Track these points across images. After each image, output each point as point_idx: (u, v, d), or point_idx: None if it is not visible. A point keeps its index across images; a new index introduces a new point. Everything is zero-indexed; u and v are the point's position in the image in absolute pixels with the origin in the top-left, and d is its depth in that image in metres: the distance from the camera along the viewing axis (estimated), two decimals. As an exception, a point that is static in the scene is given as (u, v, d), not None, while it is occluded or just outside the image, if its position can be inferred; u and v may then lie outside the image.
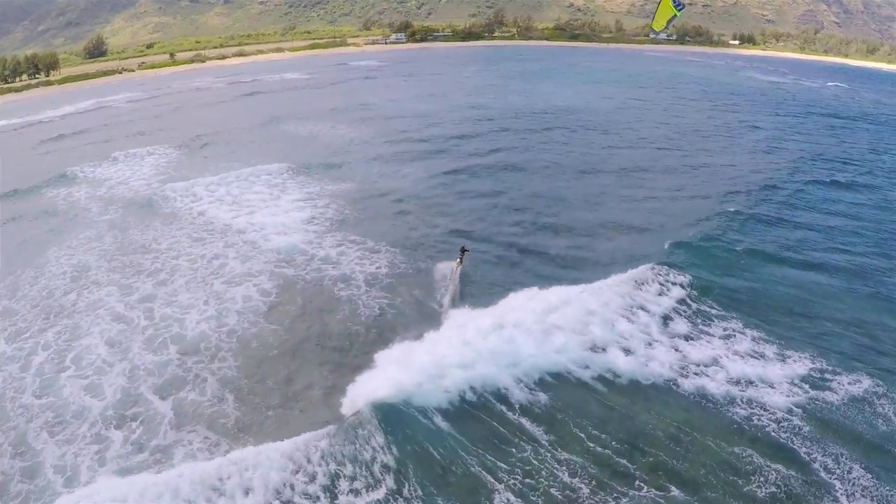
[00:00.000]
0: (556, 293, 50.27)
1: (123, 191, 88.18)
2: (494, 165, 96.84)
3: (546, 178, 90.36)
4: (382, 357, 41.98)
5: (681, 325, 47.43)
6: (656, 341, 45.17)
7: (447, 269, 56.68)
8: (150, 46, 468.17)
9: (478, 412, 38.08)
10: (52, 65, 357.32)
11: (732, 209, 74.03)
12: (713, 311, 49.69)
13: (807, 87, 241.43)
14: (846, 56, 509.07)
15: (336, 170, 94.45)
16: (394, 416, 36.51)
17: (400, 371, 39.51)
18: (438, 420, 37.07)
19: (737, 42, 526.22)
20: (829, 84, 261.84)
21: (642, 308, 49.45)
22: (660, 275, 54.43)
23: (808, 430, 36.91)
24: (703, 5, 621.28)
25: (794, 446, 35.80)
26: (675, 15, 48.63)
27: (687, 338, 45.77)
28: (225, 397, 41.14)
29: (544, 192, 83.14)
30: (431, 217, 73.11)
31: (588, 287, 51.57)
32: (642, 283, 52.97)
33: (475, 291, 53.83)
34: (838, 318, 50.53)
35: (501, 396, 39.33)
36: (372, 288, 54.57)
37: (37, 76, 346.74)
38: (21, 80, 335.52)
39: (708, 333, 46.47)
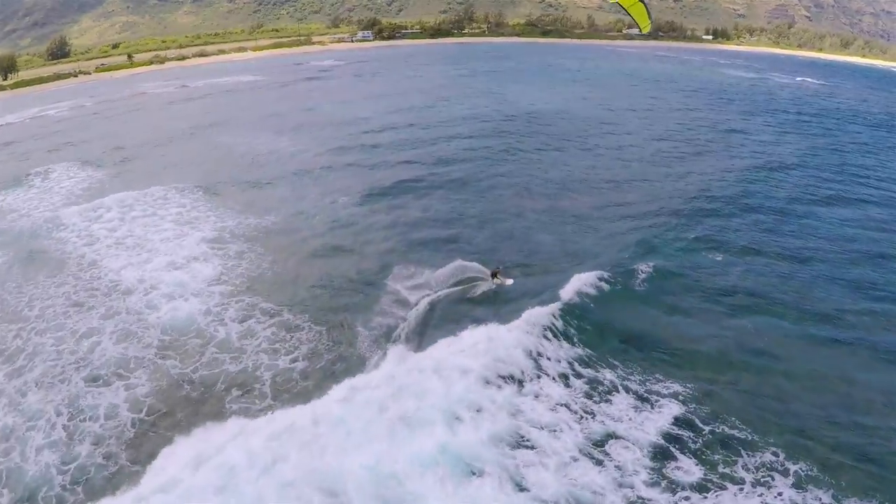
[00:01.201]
0: (490, 393, 37.71)
1: (23, 225, 74.55)
2: (448, 183, 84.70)
3: (507, 200, 78.01)
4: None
5: (684, 465, 33.02)
6: (649, 501, 30.97)
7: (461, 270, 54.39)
8: (115, 46, 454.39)
9: None
10: (9, 67, 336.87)
11: (718, 254, 61.53)
12: (728, 430, 35.75)
13: (788, 85, 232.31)
14: (820, 50, 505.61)
15: (263, 193, 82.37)
16: None
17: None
18: None
19: (710, 37, 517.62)
20: (810, 80, 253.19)
21: (617, 437, 35.08)
22: (631, 375, 40.85)
23: None
24: (675, 0, 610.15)
25: None
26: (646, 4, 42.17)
27: (699, 488, 31.69)
28: None
29: (501, 219, 71.17)
30: (369, 263, 59.80)
31: (530, 395, 38.48)
32: (612, 393, 38.99)
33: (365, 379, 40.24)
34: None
35: None
36: (277, 399, 39.56)
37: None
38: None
39: (730, 477, 32.33)
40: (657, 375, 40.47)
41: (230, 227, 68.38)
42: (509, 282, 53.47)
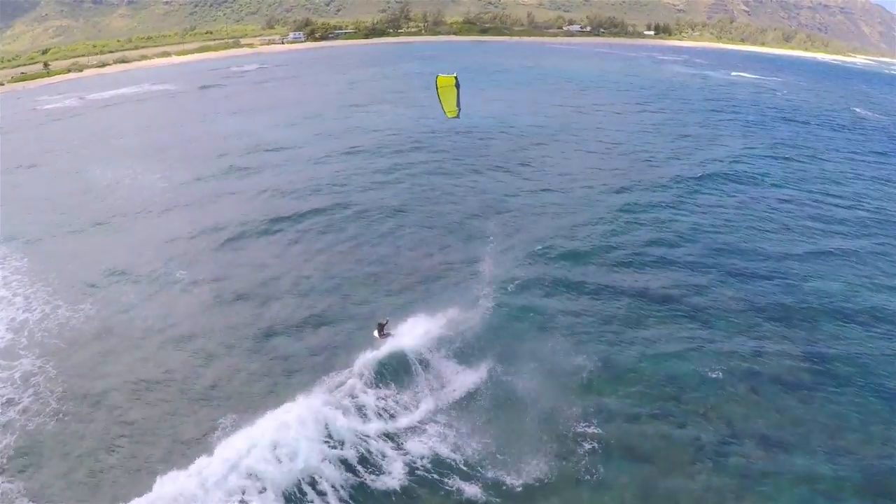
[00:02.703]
0: None
1: None
2: (337, 225, 66.88)
3: (407, 251, 59.73)
4: None
5: None
6: None
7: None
8: (44, 52, 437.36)
9: None
10: None
11: (689, 350, 42.80)
12: None
13: (738, 82, 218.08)
14: (763, 44, 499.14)
15: (100, 254, 62.39)
16: None
17: None
18: None
19: (652, 32, 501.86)
20: (762, 77, 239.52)
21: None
22: None
23: None
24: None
25: None
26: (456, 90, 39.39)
27: None
28: None
29: (401, 285, 52.91)
30: (199, 392, 39.94)
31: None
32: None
33: None
34: None
35: None
36: None
37: None
38: None
39: None
40: None
41: (32, 324, 48.98)
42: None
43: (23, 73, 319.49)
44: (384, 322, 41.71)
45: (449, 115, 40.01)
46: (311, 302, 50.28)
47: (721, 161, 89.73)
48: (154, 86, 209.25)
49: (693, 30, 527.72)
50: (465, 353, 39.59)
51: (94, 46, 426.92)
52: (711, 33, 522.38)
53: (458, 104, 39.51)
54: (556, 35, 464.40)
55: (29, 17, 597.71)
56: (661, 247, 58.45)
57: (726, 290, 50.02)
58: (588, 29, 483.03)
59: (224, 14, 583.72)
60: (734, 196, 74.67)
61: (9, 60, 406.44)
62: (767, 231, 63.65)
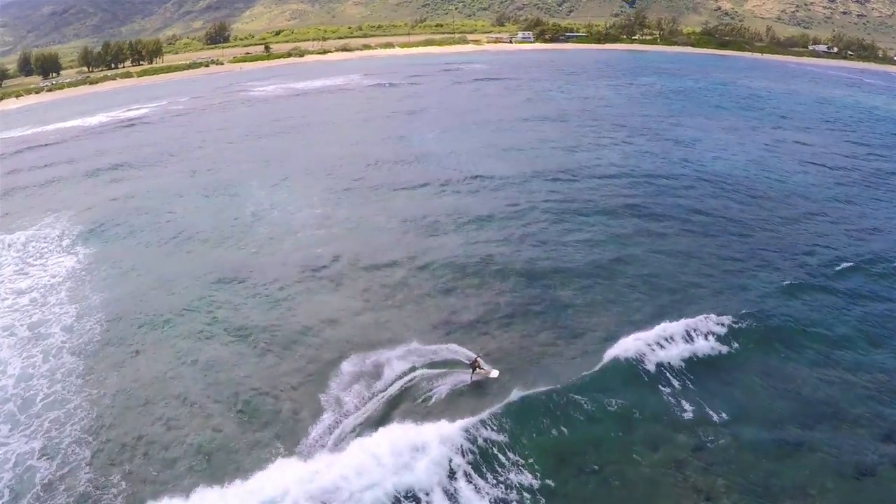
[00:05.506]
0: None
1: None
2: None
3: None
4: None
5: None
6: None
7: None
8: (277, 34, 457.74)
9: None
10: (155, 52, 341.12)
11: None
12: None
13: None
14: None
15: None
16: None
17: None
18: None
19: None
20: None
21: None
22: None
23: None
24: (858, 15, 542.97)
25: None
26: None
27: None
28: None
29: None
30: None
31: None
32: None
33: None
34: None
35: None
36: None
37: (141, 63, 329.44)
38: (122, 67, 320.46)
39: None
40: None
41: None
42: (494, 373, 38.23)
43: (247, 52, 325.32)
44: (478, 358, 38.32)
45: None
46: None
47: None
48: (365, 79, 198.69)
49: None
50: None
51: (325, 32, 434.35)
52: None
53: None
54: (800, 54, 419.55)
55: (268, 0, 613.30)
56: None
57: None
58: (835, 50, 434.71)
59: (456, 8, 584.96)
60: None
61: (241, 39, 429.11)
62: None
